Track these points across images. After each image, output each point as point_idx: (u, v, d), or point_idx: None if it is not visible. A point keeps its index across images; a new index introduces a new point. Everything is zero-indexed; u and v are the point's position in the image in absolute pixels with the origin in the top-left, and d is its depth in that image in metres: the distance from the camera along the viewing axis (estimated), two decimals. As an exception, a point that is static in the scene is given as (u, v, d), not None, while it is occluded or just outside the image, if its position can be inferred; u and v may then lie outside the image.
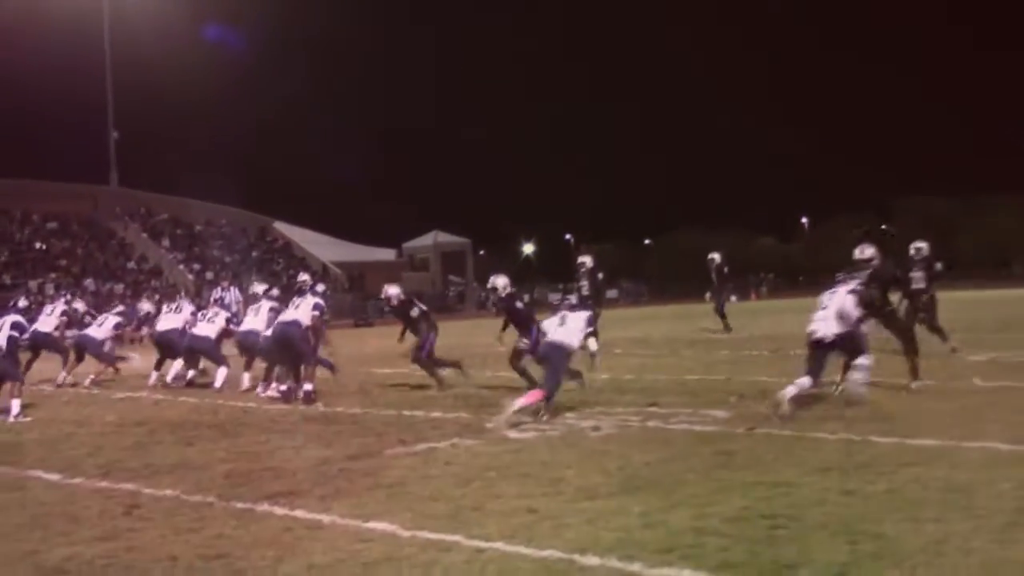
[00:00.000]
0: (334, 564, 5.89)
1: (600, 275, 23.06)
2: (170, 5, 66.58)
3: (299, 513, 7.23)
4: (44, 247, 61.53)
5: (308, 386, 14.11)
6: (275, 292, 15.01)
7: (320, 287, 15.08)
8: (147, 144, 73.77)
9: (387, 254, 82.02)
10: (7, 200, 63.05)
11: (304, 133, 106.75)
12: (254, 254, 68.95)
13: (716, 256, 27.12)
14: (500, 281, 14.27)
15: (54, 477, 9.27)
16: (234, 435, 11.46)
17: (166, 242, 66.52)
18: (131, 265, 62.10)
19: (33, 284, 53.41)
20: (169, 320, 18.78)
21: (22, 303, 17.08)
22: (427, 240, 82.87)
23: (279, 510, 7.35)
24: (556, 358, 11.86)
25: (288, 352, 14.67)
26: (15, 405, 13.90)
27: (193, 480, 8.71)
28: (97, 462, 10.01)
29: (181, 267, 63.64)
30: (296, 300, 15.13)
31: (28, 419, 13.75)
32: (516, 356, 13.97)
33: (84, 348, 19.57)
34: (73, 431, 12.57)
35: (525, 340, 13.72)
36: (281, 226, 75.99)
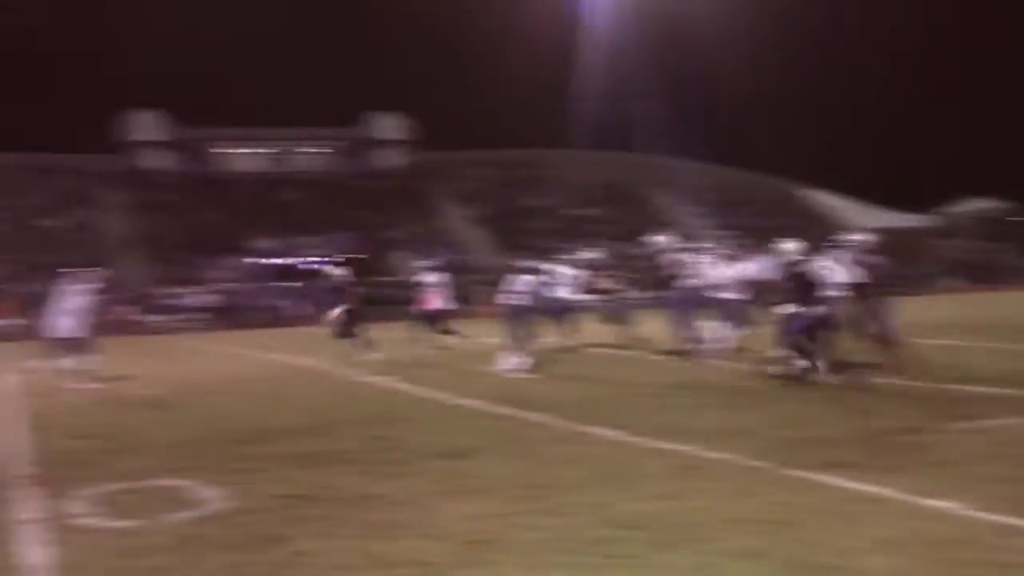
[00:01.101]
0: (899, 540, 5.77)
1: None
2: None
3: (855, 484, 7.14)
4: (581, 214, 64.98)
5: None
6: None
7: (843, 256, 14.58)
8: (681, 112, 75.23)
9: (919, 220, 78.85)
10: (548, 169, 67.42)
11: (841, 94, 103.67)
12: (784, 220, 68.79)
13: None
14: (791, 246, 13.81)
15: (614, 434, 9.78)
16: (777, 401, 11.52)
17: (699, 209, 67.94)
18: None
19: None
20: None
21: (539, 266, 17.79)
22: (964, 206, 78.72)
23: (835, 480, 7.30)
24: None
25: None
26: (518, 360, 15.79)
27: (745, 445, 8.83)
28: (652, 422, 10.42)
29: (713, 233, 64.76)
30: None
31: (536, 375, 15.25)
32: (791, 327, 13.39)
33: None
34: (616, 391, 13.18)
35: (804, 309, 13.19)
36: (811, 192, 75.24)
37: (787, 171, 73.73)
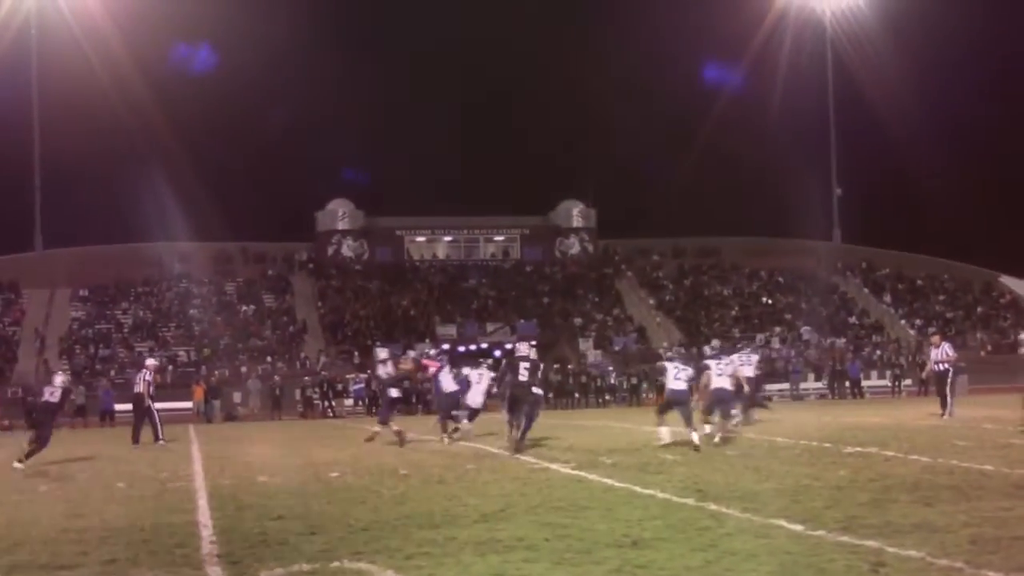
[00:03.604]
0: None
1: None
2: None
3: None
4: (770, 301, 64.31)
5: None
6: None
7: None
8: (868, 199, 73.48)
9: None
10: (740, 256, 67.46)
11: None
12: (979, 309, 66.47)
13: None
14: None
15: (797, 528, 9.49)
16: (975, 498, 10.99)
17: (887, 297, 66.31)
18: (852, 320, 62.64)
19: (760, 337, 55.68)
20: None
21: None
22: None
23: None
24: None
25: None
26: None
27: (937, 542, 8.47)
28: (835, 516, 10.08)
29: (902, 322, 63.07)
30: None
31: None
32: None
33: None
34: (809, 483, 12.81)
35: None
36: (1008, 280, 72.45)
37: (986, 259, 71.25)
